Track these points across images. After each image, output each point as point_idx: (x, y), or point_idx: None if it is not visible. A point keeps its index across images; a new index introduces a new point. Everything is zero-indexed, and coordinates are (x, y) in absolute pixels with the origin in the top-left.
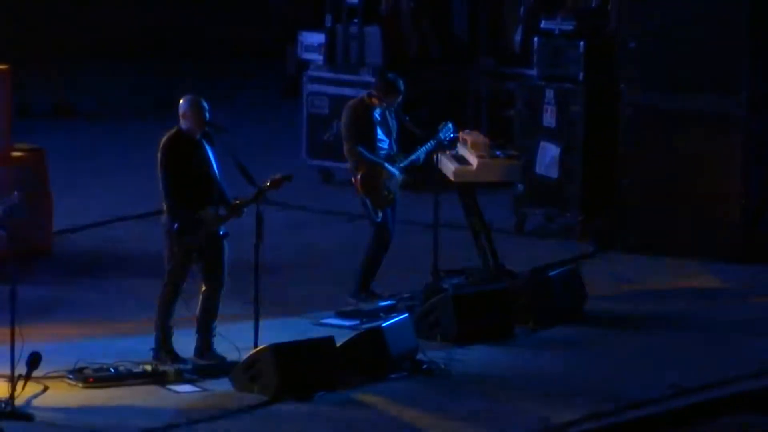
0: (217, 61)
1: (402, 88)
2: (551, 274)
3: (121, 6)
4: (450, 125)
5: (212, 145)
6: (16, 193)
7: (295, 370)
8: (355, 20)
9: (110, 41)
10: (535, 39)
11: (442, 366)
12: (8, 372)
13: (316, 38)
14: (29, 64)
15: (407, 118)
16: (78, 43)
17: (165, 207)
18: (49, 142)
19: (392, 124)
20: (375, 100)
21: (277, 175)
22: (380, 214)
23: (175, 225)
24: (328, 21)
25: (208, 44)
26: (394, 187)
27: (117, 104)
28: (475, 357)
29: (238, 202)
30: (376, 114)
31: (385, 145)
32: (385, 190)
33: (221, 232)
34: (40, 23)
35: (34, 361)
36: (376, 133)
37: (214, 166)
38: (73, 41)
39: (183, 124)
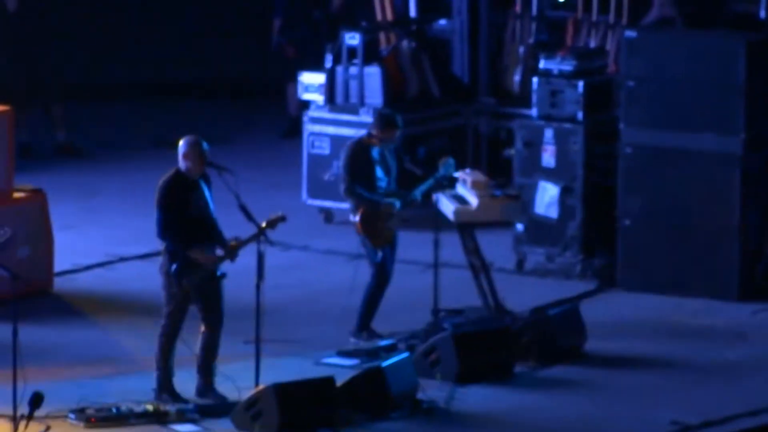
0: (217, 101)
1: (399, 123)
2: (552, 313)
3: (121, 46)
4: (451, 160)
5: (209, 186)
6: (6, 228)
7: (296, 410)
8: (355, 61)
9: (111, 81)
10: (535, 79)
11: (443, 405)
12: (10, 412)
13: (317, 79)
14: (31, 105)
15: (407, 158)
16: (79, 82)
17: (163, 248)
18: (50, 182)
19: (392, 163)
20: (374, 140)
21: (273, 216)
22: (380, 254)
23: (173, 266)
24: (329, 61)
25: (209, 84)
26: (393, 226)
27: (118, 144)
28: (475, 396)
29: (234, 243)
30: (375, 153)
31: (384, 184)
32: (385, 229)
33: (219, 273)
34: (42, 63)
35: (36, 401)
36: (375, 173)
37: (211, 206)
38: (73, 81)
39: (183, 165)
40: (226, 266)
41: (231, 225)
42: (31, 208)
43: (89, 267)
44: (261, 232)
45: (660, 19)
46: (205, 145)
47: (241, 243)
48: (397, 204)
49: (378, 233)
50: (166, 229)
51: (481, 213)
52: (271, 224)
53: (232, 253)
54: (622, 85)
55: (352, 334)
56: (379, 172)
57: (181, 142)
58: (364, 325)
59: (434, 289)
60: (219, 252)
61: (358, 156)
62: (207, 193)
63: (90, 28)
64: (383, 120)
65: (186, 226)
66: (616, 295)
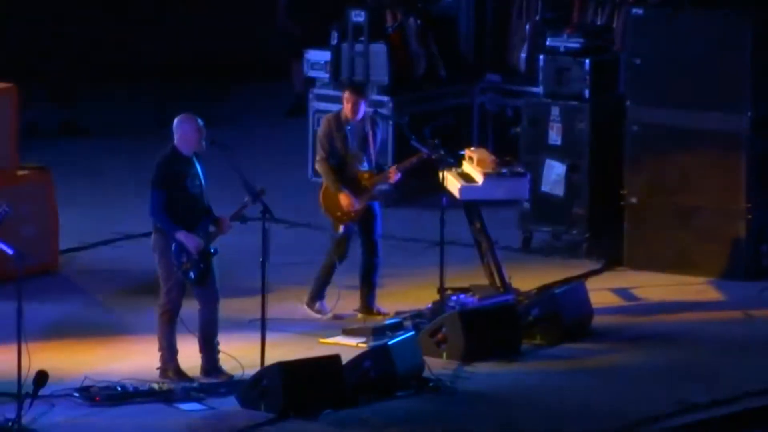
0: (222, 79)
1: (363, 92)
2: (558, 291)
3: (126, 26)
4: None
5: (200, 162)
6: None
7: (302, 388)
8: (361, 38)
9: (116, 60)
10: (541, 57)
11: (449, 384)
12: (15, 390)
13: (322, 56)
14: (36, 82)
15: (414, 136)
16: (84, 62)
17: (156, 226)
18: (56, 160)
19: (372, 138)
20: (349, 114)
21: (257, 188)
22: (342, 229)
23: (172, 245)
24: (334, 39)
25: (214, 62)
26: (357, 204)
27: (122, 123)
28: (481, 374)
29: (222, 218)
30: (351, 127)
31: (358, 157)
32: (344, 207)
33: (212, 250)
34: (48, 41)
35: (40, 379)
36: (348, 147)
37: (204, 183)
38: (78, 60)
39: (178, 142)
40: (221, 242)
41: (225, 201)
42: (37, 186)
43: (94, 245)
44: (248, 205)
45: None
46: (200, 121)
47: (232, 216)
48: (342, 188)
49: (337, 209)
50: (160, 209)
51: (487, 191)
52: (257, 197)
53: (223, 226)
54: (628, 63)
55: (305, 303)
56: (354, 147)
57: (176, 120)
58: (315, 295)
59: (440, 268)
60: (211, 229)
61: (333, 129)
62: (200, 170)
63: (94, 7)
64: (348, 89)
65: (183, 204)
66: (622, 273)
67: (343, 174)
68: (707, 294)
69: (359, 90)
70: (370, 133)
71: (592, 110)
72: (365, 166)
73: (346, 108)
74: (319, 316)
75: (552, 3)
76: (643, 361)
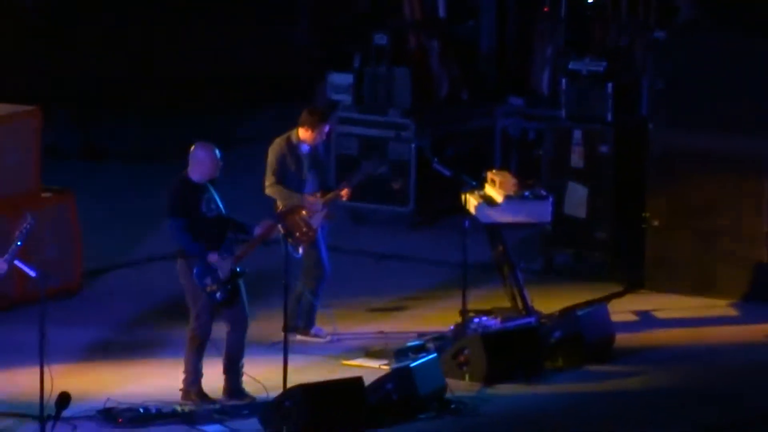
0: (244, 101)
1: (328, 117)
2: (580, 313)
3: (148, 48)
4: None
5: (215, 186)
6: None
7: (324, 411)
8: (384, 61)
9: (135, 82)
10: (563, 80)
11: (471, 406)
12: (37, 412)
13: (345, 79)
14: (58, 104)
15: (436, 159)
16: (105, 83)
17: (180, 251)
18: (77, 182)
19: (321, 157)
20: (304, 134)
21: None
22: (300, 251)
23: (196, 270)
24: (357, 62)
25: (236, 84)
26: (315, 223)
27: (145, 145)
28: (503, 396)
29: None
30: (304, 149)
31: (311, 180)
32: (305, 226)
33: (238, 270)
34: (70, 64)
35: (63, 401)
36: (302, 170)
37: (221, 206)
38: (100, 82)
39: (193, 169)
40: (249, 264)
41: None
42: (59, 208)
43: (117, 267)
44: (274, 226)
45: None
46: (216, 151)
47: (260, 237)
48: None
49: (298, 230)
50: (181, 234)
51: (508, 213)
52: (289, 216)
53: (248, 250)
54: (651, 86)
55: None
56: (307, 169)
57: (193, 148)
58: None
59: (462, 290)
60: (237, 251)
61: (285, 152)
62: (215, 194)
63: (115, 29)
64: (313, 113)
65: (201, 229)
66: (644, 295)
67: (300, 195)
68: (729, 316)
69: (325, 116)
70: (319, 152)
71: (614, 133)
72: (317, 186)
73: (310, 134)
74: (320, 340)
75: (573, 26)
76: (664, 383)
